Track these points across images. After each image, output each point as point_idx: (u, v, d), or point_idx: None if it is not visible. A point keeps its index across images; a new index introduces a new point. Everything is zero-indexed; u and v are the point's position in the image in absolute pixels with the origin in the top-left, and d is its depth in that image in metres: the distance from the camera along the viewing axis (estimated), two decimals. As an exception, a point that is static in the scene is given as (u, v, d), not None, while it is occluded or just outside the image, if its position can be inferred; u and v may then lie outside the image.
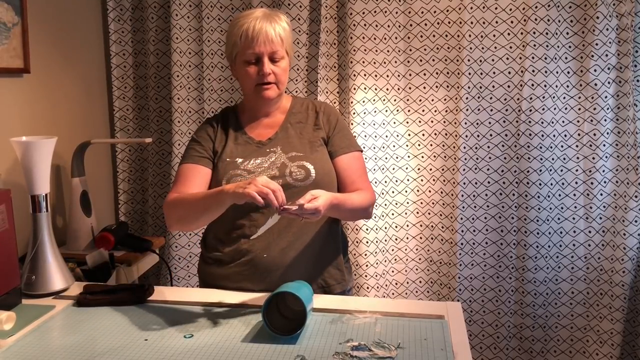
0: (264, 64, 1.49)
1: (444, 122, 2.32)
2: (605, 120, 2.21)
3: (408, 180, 2.39)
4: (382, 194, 2.36)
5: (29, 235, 1.58)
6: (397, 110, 2.34)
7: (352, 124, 2.28)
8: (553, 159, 2.27)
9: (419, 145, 2.36)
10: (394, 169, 2.37)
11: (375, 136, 2.33)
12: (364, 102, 2.30)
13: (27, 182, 1.55)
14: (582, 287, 2.34)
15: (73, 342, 1.25)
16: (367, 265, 2.33)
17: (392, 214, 2.39)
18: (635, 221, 2.20)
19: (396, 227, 2.40)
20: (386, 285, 2.41)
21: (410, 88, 2.33)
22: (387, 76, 2.31)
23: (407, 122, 2.36)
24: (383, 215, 2.37)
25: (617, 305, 2.25)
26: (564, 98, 2.25)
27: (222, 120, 1.62)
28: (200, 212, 1.42)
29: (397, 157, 2.37)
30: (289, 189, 1.47)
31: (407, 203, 2.40)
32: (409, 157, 2.38)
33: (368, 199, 1.56)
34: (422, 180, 2.38)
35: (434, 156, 2.35)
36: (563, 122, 2.26)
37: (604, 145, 2.23)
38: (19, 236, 1.53)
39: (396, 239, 2.41)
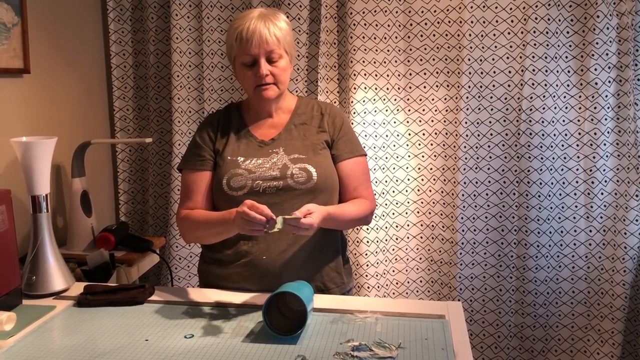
0: (260, 66, 1.47)
1: (445, 121, 2.32)
2: (605, 119, 2.21)
3: (408, 179, 2.38)
4: (383, 193, 2.36)
5: (30, 235, 1.58)
6: (398, 110, 2.34)
7: (352, 123, 2.28)
8: (554, 158, 2.27)
9: (419, 144, 2.36)
10: (394, 168, 2.37)
11: (376, 136, 2.33)
12: (364, 101, 2.29)
13: (27, 183, 1.55)
14: (583, 287, 2.33)
15: (73, 342, 1.25)
16: (367, 265, 2.33)
17: (393, 214, 2.39)
18: (636, 220, 2.20)
19: (397, 226, 2.40)
20: (387, 285, 2.41)
21: (410, 87, 2.33)
22: (388, 75, 2.30)
23: (408, 122, 2.35)
24: (383, 215, 2.37)
25: (618, 304, 2.25)
26: (565, 97, 2.25)
27: (225, 117, 1.61)
28: (214, 236, 1.51)
29: (397, 157, 2.37)
30: (290, 191, 1.47)
31: (408, 202, 2.39)
32: (409, 156, 2.38)
33: (364, 208, 1.55)
34: (422, 179, 2.38)
35: (435, 155, 2.35)
36: (563, 121, 2.26)
37: (605, 144, 2.23)
38: (19, 237, 1.53)
39: (397, 239, 2.41)
